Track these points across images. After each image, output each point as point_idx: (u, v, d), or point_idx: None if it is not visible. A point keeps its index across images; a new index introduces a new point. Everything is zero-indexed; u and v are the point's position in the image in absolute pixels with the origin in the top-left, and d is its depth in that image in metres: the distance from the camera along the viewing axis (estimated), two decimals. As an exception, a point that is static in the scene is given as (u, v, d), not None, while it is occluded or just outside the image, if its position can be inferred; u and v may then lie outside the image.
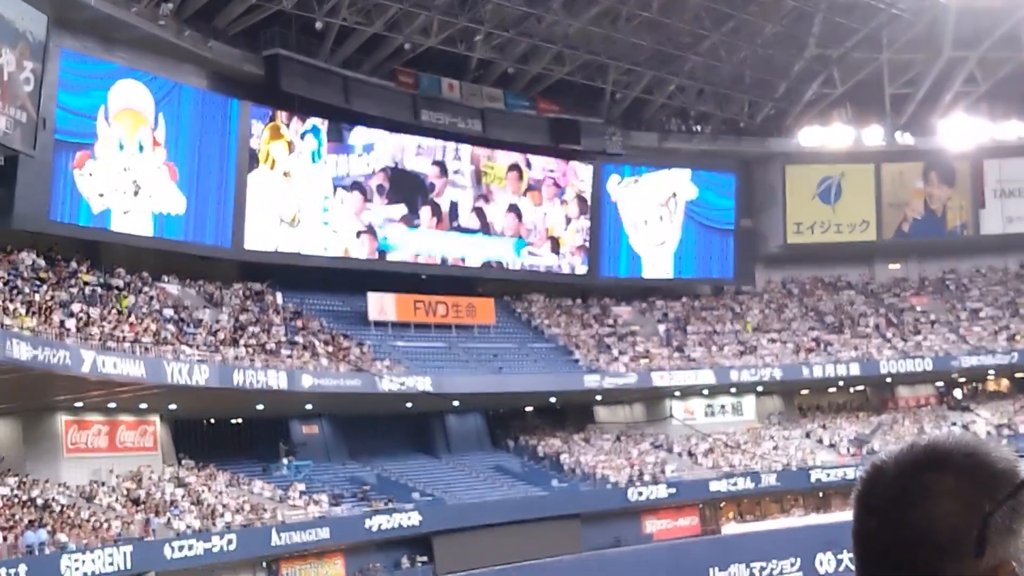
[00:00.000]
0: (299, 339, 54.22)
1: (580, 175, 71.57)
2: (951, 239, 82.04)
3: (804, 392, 75.27)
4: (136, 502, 43.47)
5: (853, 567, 2.19)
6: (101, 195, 48.57)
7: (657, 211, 74.29)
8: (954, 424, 72.43)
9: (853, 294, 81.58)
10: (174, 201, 52.25)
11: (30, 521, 37.77)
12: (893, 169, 79.68)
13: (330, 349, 55.05)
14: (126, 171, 49.54)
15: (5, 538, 36.32)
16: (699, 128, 75.15)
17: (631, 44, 66.01)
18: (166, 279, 52.75)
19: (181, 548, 42.07)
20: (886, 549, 2.10)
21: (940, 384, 77.37)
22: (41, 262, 45.68)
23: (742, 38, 69.05)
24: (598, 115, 69.97)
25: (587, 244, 71.81)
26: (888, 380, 74.56)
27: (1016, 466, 2.11)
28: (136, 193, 49.96)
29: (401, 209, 64.09)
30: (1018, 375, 75.04)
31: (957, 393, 77.67)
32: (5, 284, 41.52)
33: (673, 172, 74.26)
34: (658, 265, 74.86)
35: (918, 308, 79.95)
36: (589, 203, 71.81)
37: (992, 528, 2.03)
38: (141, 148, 50.53)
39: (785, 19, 68.70)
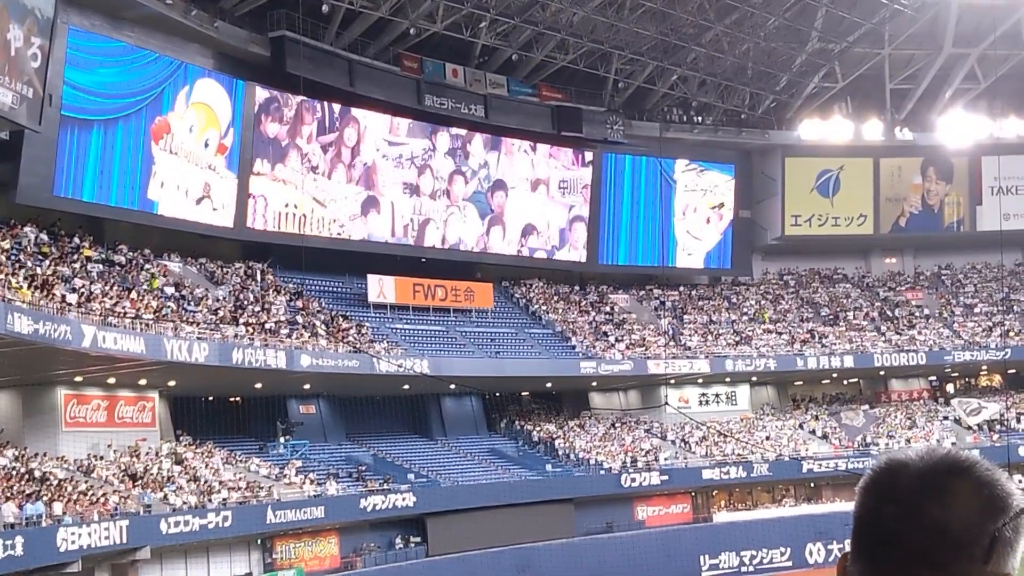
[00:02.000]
0: (299, 319, 54.53)
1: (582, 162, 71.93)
2: (947, 234, 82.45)
3: (798, 383, 75.71)
4: (133, 477, 43.80)
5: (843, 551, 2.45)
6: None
7: (707, 212, 75.40)
8: (946, 418, 72.95)
9: (849, 287, 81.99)
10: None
11: (28, 494, 38.08)
12: (892, 164, 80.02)
13: (329, 330, 55.37)
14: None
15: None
16: (700, 119, 75.43)
17: (635, 33, 66.28)
18: (168, 256, 53.05)
19: (177, 524, 42.39)
20: (901, 536, 2.32)
21: (933, 378, 77.80)
22: (44, 237, 45.96)
23: (745, 30, 69.32)
24: (600, 103, 70.30)
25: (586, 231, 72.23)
26: (881, 373, 75.02)
27: (1021, 494, 2.40)
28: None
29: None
30: (1011, 371, 75.36)
31: (949, 388, 78.09)
32: (8, 258, 41.80)
33: (728, 180, 76.04)
34: (692, 258, 76.44)
35: (913, 302, 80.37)
36: (590, 190, 72.15)
37: (1000, 540, 2.30)
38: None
39: (788, 12, 68.98)
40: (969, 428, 71.42)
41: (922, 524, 2.30)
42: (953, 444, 68.76)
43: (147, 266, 50.47)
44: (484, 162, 68.45)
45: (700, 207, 75.68)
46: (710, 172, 75.59)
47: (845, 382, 77.36)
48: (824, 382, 76.19)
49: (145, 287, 48.20)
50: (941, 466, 2.36)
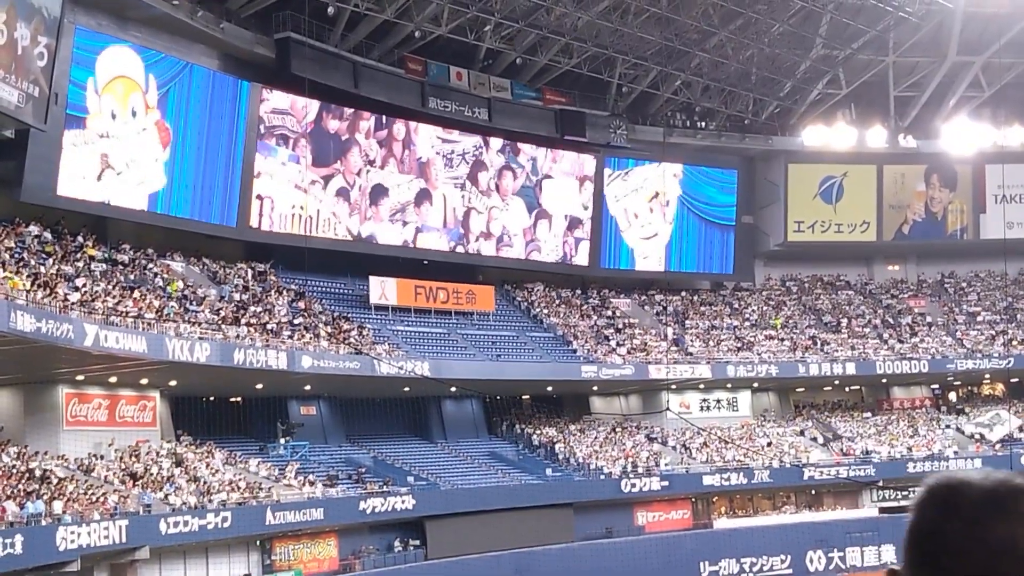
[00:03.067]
0: (300, 320, 54.54)
1: (586, 167, 71.93)
2: (951, 242, 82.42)
3: (800, 390, 75.66)
4: (134, 476, 43.80)
5: (901, 562, 2.52)
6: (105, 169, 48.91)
7: (645, 205, 74.72)
8: (948, 427, 72.87)
9: (852, 294, 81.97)
10: (180, 177, 52.61)
11: (28, 492, 38.08)
12: (895, 171, 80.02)
13: (330, 331, 55.38)
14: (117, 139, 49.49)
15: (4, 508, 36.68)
16: (703, 124, 75.43)
17: (639, 38, 66.33)
18: (171, 256, 53.07)
19: (176, 524, 42.37)
20: (966, 552, 2.41)
21: (935, 386, 77.77)
22: (48, 235, 45.98)
23: (749, 36, 69.35)
24: (604, 108, 70.36)
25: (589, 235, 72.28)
26: (883, 381, 75.00)
27: None
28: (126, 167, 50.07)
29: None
30: (1013, 380, 75.32)
31: (952, 396, 78.03)
32: (12, 256, 41.82)
33: (662, 167, 74.54)
34: (651, 258, 75.30)
35: (916, 310, 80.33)
36: (592, 194, 72.17)
37: None
38: (134, 114, 50.68)
39: (793, 19, 69.00)
40: (971, 437, 71.38)
41: (988, 542, 2.40)
42: (955, 453, 68.94)
43: (151, 266, 50.46)
44: (532, 158, 69.61)
45: (639, 207, 74.73)
46: (634, 169, 74.22)
47: (847, 389, 77.33)
48: (826, 389, 76.15)
49: (162, 290, 48.32)
50: (1006, 486, 2.46)
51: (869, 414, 74.91)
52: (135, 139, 50.27)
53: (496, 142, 68.32)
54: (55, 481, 39.85)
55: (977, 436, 71.19)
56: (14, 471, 39.25)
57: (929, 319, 79.11)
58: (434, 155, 65.82)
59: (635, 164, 73.97)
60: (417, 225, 65.01)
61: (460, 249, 67.22)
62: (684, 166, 75.50)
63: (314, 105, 59.43)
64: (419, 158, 65.16)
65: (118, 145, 49.36)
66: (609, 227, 73.01)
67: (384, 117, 62.95)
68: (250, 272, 57.17)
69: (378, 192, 63.34)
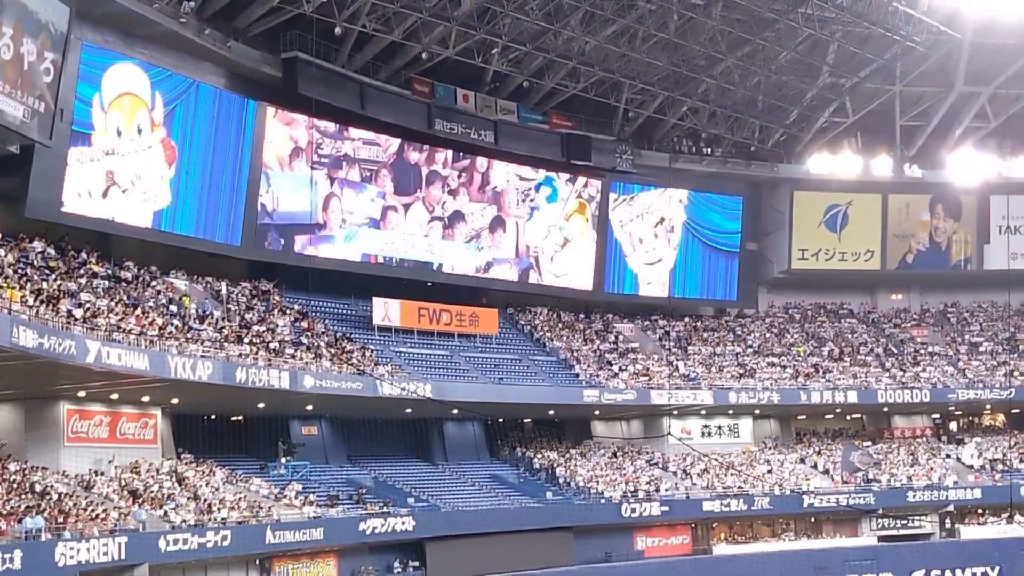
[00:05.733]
0: (303, 340, 54.54)
1: (591, 192, 72.02)
2: (954, 272, 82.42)
3: (801, 417, 75.57)
4: (134, 494, 43.76)
5: None
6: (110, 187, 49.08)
7: (650, 230, 74.84)
8: (948, 456, 72.82)
9: (855, 322, 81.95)
10: (185, 195, 52.68)
11: (27, 508, 38.04)
12: (900, 200, 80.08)
13: (333, 351, 55.38)
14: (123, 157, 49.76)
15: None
16: (709, 150, 75.46)
17: (646, 64, 66.38)
18: (174, 274, 53.09)
19: (176, 541, 42.37)
20: None
21: (936, 416, 77.68)
22: (51, 251, 46.00)
23: (757, 63, 69.42)
24: (610, 132, 70.44)
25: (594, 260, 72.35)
26: (885, 409, 74.89)
27: None
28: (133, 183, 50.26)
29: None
30: (1014, 410, 75.22)
31: (953, 426, 77.93)
32: (15, 271, 41.82)
33: (667, 193, 75.09)
34: (655, 284, 75.41)
35: (918, 339, 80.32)
36: (597, 219, 72.20)
37: None
38: (140, 131, 50.77)
39: (800, 46, 69.05)
40: (971, 467, 71.30)
41: None
42: (955, 483, 68.85)
43: (154, 283, 50.49)
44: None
45: (644, 234, 74.86)
46: (639, 195, 74.56)
47: (848, 417, 77.22)
48: (827, 417, 76.05)
49: (165, 307, 48.41)
50: None
51: (870, 443, 74.74)
52: (140, 156, 50.32)
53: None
54: (55, 497, 39.82)
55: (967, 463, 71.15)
56: (14, 486, 39.22)
57: (931, 348, 79.06)
58: (508, 187, 69.17)
59: (640, 189, 74.11)
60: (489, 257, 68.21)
61: (532, 279, 70.63)
62: (689, 192, 75.58)
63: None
64: (494, 187, 68.26)
65: (123, 162, 49.39)
66: (614, 252, 73.02)
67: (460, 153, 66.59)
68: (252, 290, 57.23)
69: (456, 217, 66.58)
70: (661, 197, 74.76)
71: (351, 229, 61.28)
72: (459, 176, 66.61)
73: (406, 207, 64.06)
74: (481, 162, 67.34)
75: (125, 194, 49.63)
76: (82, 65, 46.17)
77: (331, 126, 60.05)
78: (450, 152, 65.63)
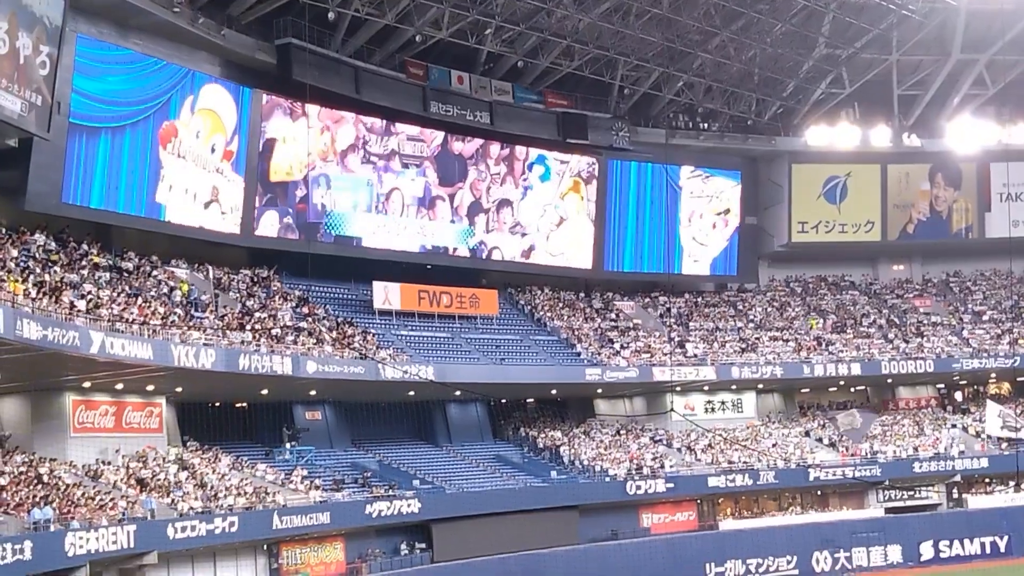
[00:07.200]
0: (304, 325, 54.63)
1: (587, 168, 72.00)
2: (956, 241, 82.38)
3: (804, 390, 75.63)
4: (141, 482, 43.92)
5: None
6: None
7: (713, 217, 75.50)
8: (954, 426, 72.80)
9: (856, 294, 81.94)
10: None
11: (36, 498, 38.19)
12: (899, 170, 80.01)
13: (335, 336, 55.47)
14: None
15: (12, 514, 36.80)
16: (706, 125, 75.41)
17: (640, 40, 66.36)
18: (175, 263, 53.16)
19: (184, 529, 42.57)
20: None
21: (941, 386, 77.71)
22: (52, 243, 46.08)
23: (751, 36, 69.34)
24: (606, 110, 70.41)
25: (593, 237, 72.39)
26: (889, 381, 74.97)
27: None
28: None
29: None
30: (1020, 379, 75.17)
31: (958, 395, 77.94)
32: (17, 264, 41.91)
33: (735, 186, 76.43)
34: (698, 264, 76.26)
35: (921, 309, 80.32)
36: (596, 196, 72.18)
37: None
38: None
39: (795, 18, 68.99)
40: (977, 436, 71.31)
41: None
42: (961, 452, 68.89)
43: (155, 273, 50.55)
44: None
45: (706, 213, 75.68)
46: (715, 178, 75.56)
47: (852, 389, 77.31)
48: (831, 390, 76.14)
49: (167, 296, 48.53)
50: None
51: (874, 414, 74.84)
52: (140, 147, 50.36)
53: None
54: (63, 487, 39.98)
55: (974, 432, 71.10)
56: (22, 478, 39.37)
57: (934, 319, 79.07)
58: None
59: (713, 173, 75.95)
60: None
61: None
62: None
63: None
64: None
65: (124, 154, 49.47)
66: (613, 229, 72.93)
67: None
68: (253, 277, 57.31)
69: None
70: (732, 189, 76.33)
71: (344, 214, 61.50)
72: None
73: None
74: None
75: (125, 185, 49.73)
76: (78, 57, 46.10)
77: (325, 111, 60.11)
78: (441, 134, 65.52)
